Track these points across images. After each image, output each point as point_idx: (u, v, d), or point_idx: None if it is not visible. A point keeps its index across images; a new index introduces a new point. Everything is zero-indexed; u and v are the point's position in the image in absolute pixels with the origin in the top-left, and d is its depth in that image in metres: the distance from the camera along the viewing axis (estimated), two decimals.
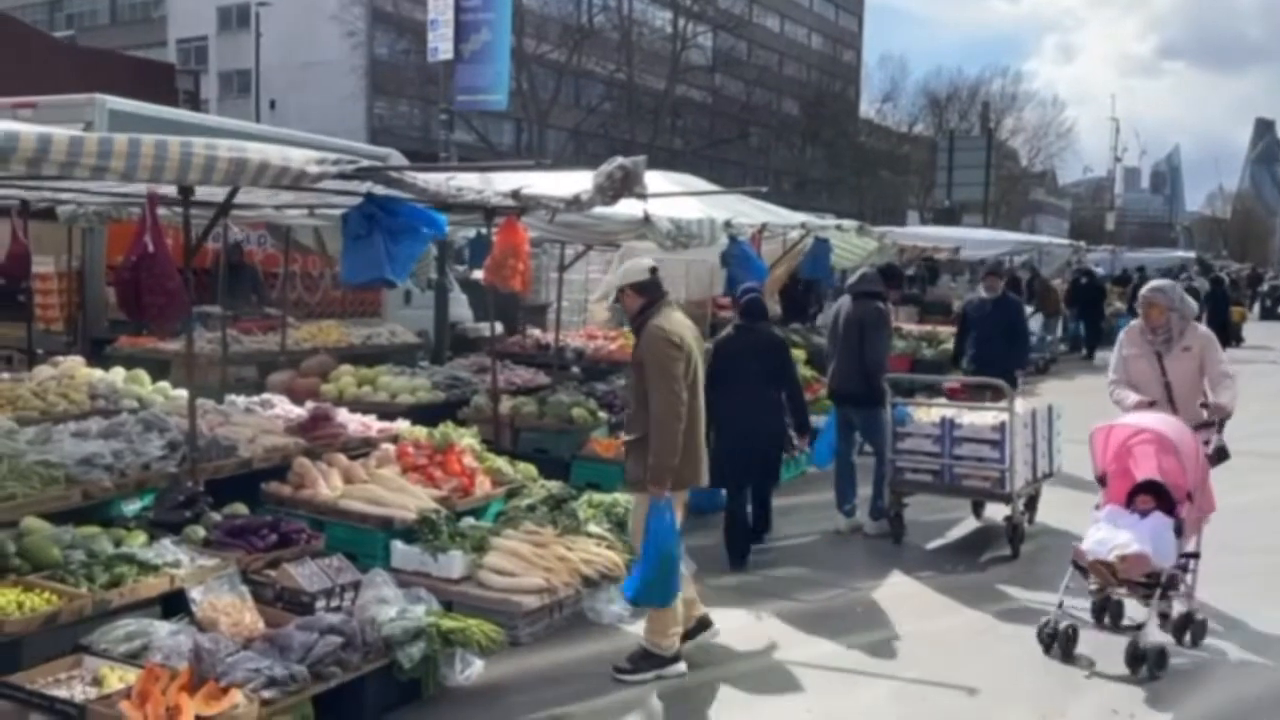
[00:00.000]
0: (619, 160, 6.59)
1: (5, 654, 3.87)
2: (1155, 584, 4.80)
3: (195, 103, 38.48)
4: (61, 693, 3.74)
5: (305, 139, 9.92)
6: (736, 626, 5.28)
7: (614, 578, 5.40)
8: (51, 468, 5.06)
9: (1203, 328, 5.77)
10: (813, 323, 13.84)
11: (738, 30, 57.78)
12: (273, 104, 38.21)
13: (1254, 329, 21.96)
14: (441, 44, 13.71)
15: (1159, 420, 5.12)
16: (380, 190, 5.25)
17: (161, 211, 5.38)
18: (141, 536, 4.76)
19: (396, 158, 13.66)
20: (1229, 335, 21.16)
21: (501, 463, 6.35)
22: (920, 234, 18.92)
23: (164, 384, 7.41)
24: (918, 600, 5.82)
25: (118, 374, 7.52)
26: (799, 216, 10.10)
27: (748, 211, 8.80)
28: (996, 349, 8.24)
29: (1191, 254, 41.77)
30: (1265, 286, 32.33)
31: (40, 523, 4.65)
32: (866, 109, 68.42)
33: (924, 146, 58.52)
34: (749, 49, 61.83)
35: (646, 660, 4.65)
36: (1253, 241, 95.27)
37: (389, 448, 6.27)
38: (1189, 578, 5.09)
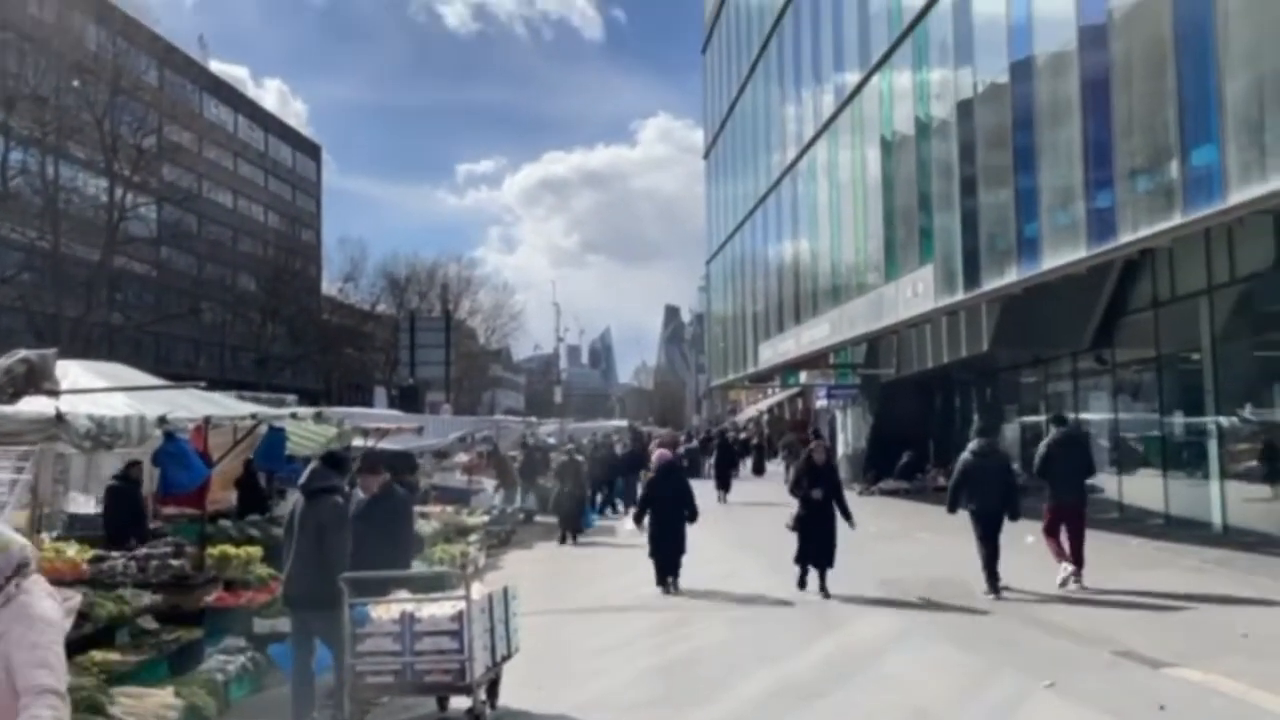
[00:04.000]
0: (21, 353, 5.76)
1: None
2: None
3: None
4: None
5: None
6: None
7: None
8: None
9: (28, 599, 3.02)
10: (271, 514, 13.03)
11: (186, 204, 55.23)
12: None
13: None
14: None
15: None
16: None
17: None
18: None
19: None
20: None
21: None
22: (385, 416, 19.04)
23: None
24: None
25: None
26: (248, 407, 9.59)
27: (188, 404, 8.11)
28: (376, 554, 7.16)
29: (625, 422, 47.35)
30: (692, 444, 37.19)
31: None
32: (328, 287, 68.95)
33: (388, 325, 60.16)
34: (199, 223, 59.32)
35: None
36: (670, 407, 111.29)
37: None
38: None
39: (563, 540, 17.44)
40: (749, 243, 37.65)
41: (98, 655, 7.20)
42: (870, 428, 29.37)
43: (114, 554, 10.10)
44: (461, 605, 6.58)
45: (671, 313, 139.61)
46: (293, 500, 6.95)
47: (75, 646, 7.32)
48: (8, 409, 5.96)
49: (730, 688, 7.77)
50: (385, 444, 17.21)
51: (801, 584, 11.51)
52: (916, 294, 19.26)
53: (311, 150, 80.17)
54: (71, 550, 10.05)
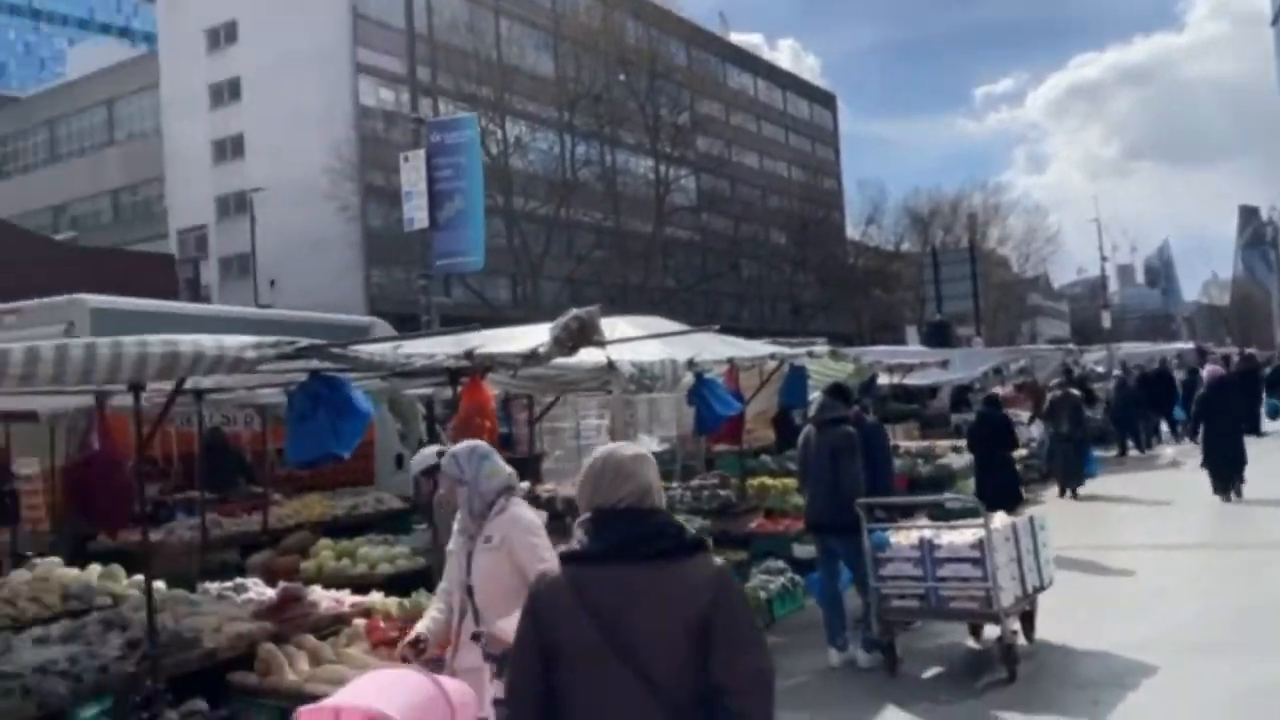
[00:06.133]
0: (574, 312, 6.71)
1: None
2: None
3: (195, 289, 39.62)
4: None
5: (284, 317, 10.18)
6: None
7: None
8: (7, 679, 4.96)
9: (515, 510, 3.98)
10: None
11: (719, 171, 59.83)
12: (272, 283, 39.23)
13: None
14: (417, 213, 14.19)
15: (379, 692, 3.10)
16: (330, 366, 5.34)
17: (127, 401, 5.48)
18: None
19: (381, 326, 13.94)
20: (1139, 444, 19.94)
21: None
22: (907, 352, 19.02)
23: (140, 577, 7.33)
24: None
25: (93, 571, 7.46)
26: (768, 348, 10.19)
27: (713, 347, 8.88)
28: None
29: (1190, 344, 41.78)
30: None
31: None
32: (852, 231, 70.15)
33: (913, 263, 59.59)
34: (732, 186, 63.82)
35: None
36: (1254, 325, 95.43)
37: (360, 623, 6.15)
38: None
39: (1061, 492, 14.63)
40: None
41: None
42: None
43: (673, 485, 11.50)
44: (982, 533, 6.43)
45: (1249, 213, 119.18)
46: (801, 436, 7.32)
47: None
48: (571, 360, 6.99)
49: None
50: (911, 379, 17.27)
51: None
52: None
53: (826, 100, 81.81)
54: None
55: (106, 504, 4.87)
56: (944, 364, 17.07)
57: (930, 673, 6.68)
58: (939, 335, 32.42)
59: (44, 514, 9.90)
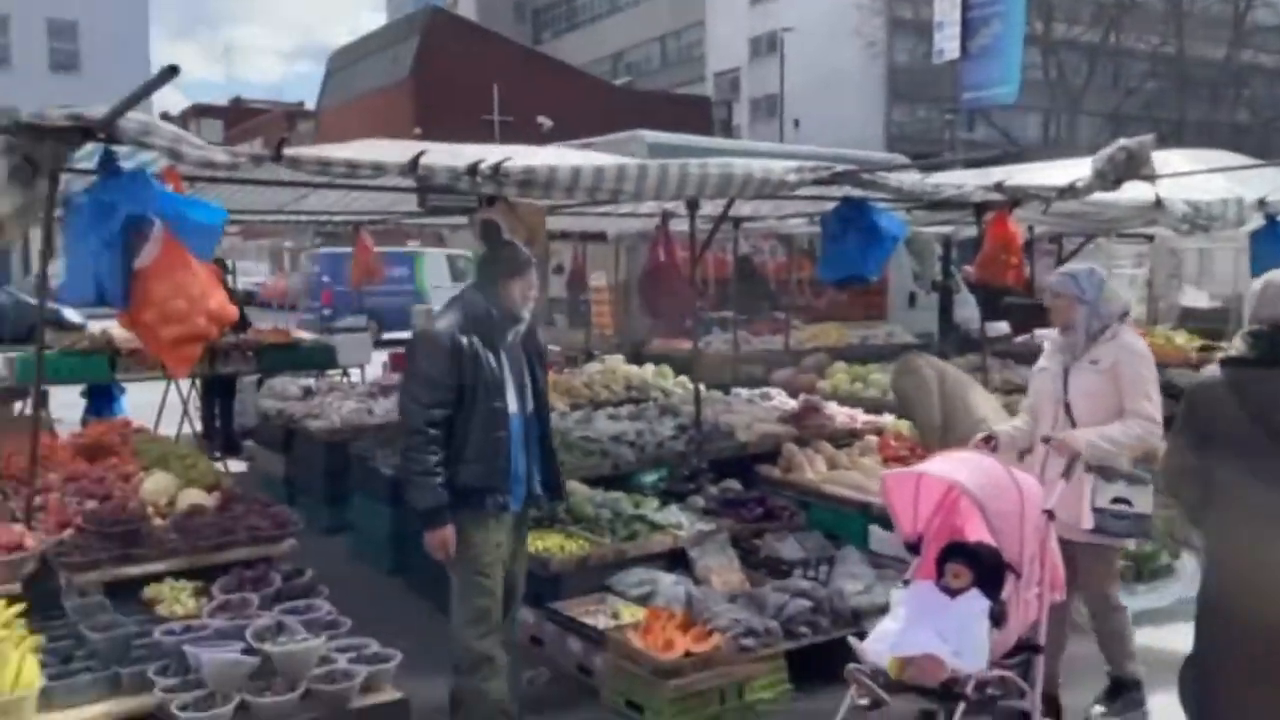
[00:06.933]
0: (1121, 142, 6.22)
1: (550, 586, 4.84)
2: (954, 695, 3.22)
3: (728, 129, 42.18)
4: (589, 621, 4.61)
5: (803, 151, 10.65)
6: None
7: None
8: (591, 443, 6.15)
9: (1127, 337, 4.02)
10: None
11: None
12: (796, 123, 40.43)
13: None
14: (948, 44, 13.66)
15: (957, 466, 3.49)
16: (858, 194, 5.58)
17: (682, 227, 6.29)
18: (654, 502, 5.60)
19: (901, 162, 13.94)
20: None
21: None
22: None
23: (684, 378, 8.48)
24: None
25: (648, 369, 8.77)
26: None
27: None
28: None
29: None
30: None
31: (581, 486, 5.69)
32: None
33: None
34: None
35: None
36: None
37: (872, 439, 6.55)
38: (1030, 677, 3.50)
39: None
40: None
41: None
42: None
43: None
44: None
45: None
46: None
47: None
48: (1110, 196, 6.51)
49: None
50: None
51: None
52: None
53: None
54: (1180, 339, 10.56)
55: (668, 307, 5.70)
56: None
57: None
58: None
59: (609, 320, 11.70)
